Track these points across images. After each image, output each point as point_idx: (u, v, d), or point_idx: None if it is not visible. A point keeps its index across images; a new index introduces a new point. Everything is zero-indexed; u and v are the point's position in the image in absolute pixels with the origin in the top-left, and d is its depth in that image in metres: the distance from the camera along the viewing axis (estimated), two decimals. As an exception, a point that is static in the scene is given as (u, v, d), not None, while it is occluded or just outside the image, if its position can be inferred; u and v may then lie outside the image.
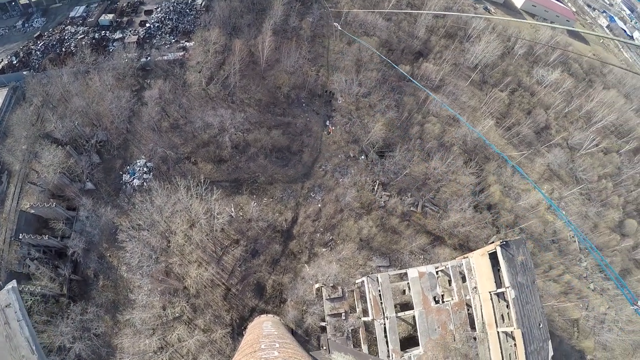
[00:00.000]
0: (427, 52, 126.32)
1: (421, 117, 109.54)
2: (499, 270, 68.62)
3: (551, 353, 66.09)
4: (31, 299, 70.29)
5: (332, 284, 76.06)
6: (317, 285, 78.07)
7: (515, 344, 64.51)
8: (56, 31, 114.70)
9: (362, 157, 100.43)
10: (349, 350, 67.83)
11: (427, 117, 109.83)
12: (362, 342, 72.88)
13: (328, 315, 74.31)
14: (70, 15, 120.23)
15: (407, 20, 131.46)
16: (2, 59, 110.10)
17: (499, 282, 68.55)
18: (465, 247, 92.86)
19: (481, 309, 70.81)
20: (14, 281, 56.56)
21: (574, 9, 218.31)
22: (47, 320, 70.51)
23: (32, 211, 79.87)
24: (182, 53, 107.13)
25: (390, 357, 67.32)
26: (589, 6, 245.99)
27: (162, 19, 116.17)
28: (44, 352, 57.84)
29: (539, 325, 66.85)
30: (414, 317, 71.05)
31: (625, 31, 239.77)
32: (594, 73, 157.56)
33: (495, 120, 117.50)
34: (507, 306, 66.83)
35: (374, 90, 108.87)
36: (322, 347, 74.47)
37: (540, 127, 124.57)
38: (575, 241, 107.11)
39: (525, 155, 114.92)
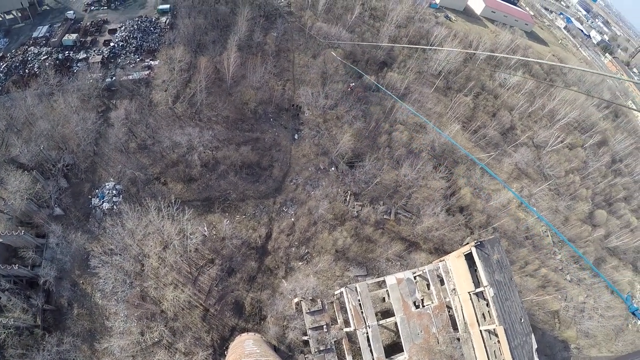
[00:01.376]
0: (391, 62, 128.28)
1: (388, 126, 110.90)
2: (476, 270, 69.50)
3: (535, 346, 66.97)
4: (4, 332, 67.79)
5: (311, 297, 75.50)
6: (296, 300, 77.38)
7: (499, 341, 65.27)
8: (19, 52, 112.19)
9: (332, 168, 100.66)
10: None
11: (395, 125, 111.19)
12: (346, 353, 72.34)
13: (310, 328, 73.58)
14: (33, 36, 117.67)
15: (371, 32, 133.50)
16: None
17: (477, 282, 69.44)
18: (440, 250, 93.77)
19: (462, 310, 71.49)
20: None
21: (531, 13, 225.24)
22: (22, 353, 67.99)
23: (0, 240, 77.03)
24: (148, 72, 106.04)
25: (375, 365, 67.24)
26: (546, 9, 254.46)
27: (127, 37, 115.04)
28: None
29: (520, 320, 67.77)
30: (395, 323, 71.24)
31: (582, 31, 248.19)
32: (555, 72, 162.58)
33: (461, 125, 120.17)
34: (487, 304, 67.69)
35: (340, 101, 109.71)
36: None
37: (506, 128, 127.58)
38: (548, 235, 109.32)
39: (493, 157, 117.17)
